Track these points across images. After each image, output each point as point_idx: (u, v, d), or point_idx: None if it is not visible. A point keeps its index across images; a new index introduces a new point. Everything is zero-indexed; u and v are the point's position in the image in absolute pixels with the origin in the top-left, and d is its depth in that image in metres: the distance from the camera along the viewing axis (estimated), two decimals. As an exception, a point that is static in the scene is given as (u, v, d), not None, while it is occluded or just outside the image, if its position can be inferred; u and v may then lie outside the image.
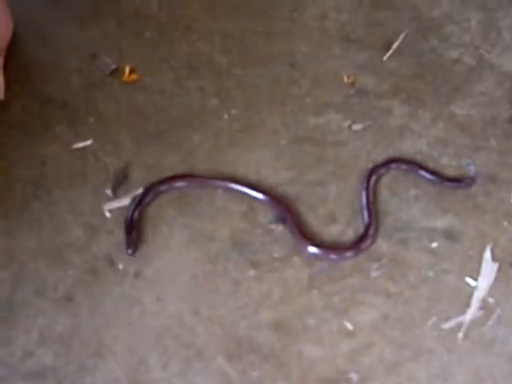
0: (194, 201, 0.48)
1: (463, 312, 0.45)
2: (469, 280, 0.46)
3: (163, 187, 0.48)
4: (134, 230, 0.46)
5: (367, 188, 0.49)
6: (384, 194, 0.49)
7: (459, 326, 0.45)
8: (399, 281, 0.46)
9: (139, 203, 0.47)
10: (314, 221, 0.48)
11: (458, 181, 0.50)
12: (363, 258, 0.47)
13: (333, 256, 0.46)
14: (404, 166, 0.50)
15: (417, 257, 0.47)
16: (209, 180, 0.49)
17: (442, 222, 0.48)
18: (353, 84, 0.54)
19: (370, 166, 0.50)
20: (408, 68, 0.55)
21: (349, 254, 0.47)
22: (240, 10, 0.57)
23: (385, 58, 0.55)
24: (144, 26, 0.56)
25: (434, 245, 0.47)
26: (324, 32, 0.56)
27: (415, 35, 0.57)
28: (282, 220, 0.47)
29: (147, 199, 0.48)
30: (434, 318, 0.45)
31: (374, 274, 0.46)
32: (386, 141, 0.51)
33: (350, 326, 0.45)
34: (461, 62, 0.55)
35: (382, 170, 0.50)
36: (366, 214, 0.48)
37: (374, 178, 0.49)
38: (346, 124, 0.52)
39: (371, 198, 0.48)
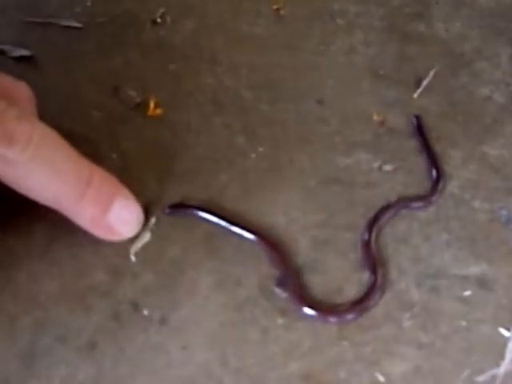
0: (222, 244, 0.47)
1: (497, 364, 0.44)
2: (502, 330, 0.45)
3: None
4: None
5: (368, 245, 0.47)
6: (416, 239, 0.48)
7: (493, 379, 0.43)
8: (431, 331, 0.45)
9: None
10: (344, 266, 0.47)
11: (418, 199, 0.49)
12: (395, 306, 0.45)
13: (332, 319, 0.45)
14: (391, 212, 0.49)
15: (449, 305, 0.46)
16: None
17: (474, 269, 0.47)
18: (382, 122, 0.53)
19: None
20: (438, 106, 0.54)
21: (350, 316, 0.45)
22: (266, 43, 0.56)
23: (415, 95, 0.54)
24: (168, 58, 0.55)
25: (467, 293, 0.46)
26: (352, 67, 0.55)
27: (445, 71, 0.55)
28: (281, 282, 0.46)
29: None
30: (467, 371, 0.44)
31: (406, 323, 0.45)
32: (417, 182, 0.50)
33: (381, 378, 0.43)
34: (492, 100, 0.54)
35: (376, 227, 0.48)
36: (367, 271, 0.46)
37: (373, 235, 0.48)
38: (376, 164, 0.51)
39: (374, 254, 0.47)
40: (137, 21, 0.57)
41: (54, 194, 0.43)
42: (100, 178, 0.44)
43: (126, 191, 0.46)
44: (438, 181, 0.50)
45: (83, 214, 0.44)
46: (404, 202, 0.49)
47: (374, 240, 0.47)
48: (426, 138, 0.52)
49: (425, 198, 0.49)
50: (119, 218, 0.45)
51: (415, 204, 0.49)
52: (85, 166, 0.44)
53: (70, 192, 0.43)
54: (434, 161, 0.51)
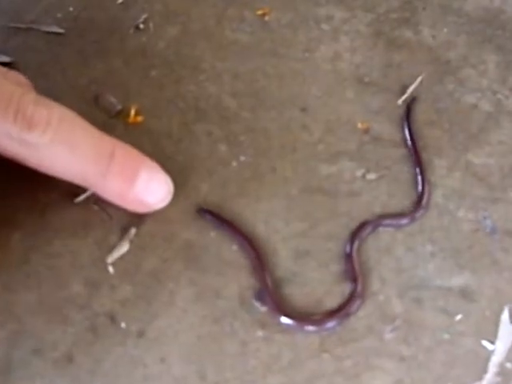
0: (202, 254, 0.46)
1: (480, 378, 0.43)
2: (485, 343, 0.44)
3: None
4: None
5: (349, 256, 0.47)
6: (399, 250, 0.47)
7: (476, 393, 0.43)
8: (413, 344, 0.44)
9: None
10: (325, 278, 0.46)
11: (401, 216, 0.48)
12: (376, 318, 0.45)
13: (310, 328, 0.44)
14: (370, 228, 0.48)
15: (432, 318, 0.45)
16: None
17: (458, 280, 0.46)
18: (367, 130, 0.52)
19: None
20: (424, 114, 0.53)
21: (330, 324, 0.44)
22: (249, 50, 0.55)
23: (400, 102, 0.53)
24: (151, 65, 0.54)
25: (450, 305, 0.45)
26: (337, 74, 0.55)
27: (431, 78, 0.55)
28: (259, 295, 0.45)
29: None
30: (449, 385, 0.43)
31: (388, 336, 0.44)
32: (401, 191, 0.49)
33: (362, 392, 0.43)
34: (478, 108, 0.53)
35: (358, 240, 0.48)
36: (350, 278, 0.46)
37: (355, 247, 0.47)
38: (359, 173, 0.50)
39: (354, 264, 0.46)
40: (119, 27, 0.56)
41: (78, 171, 0.44)
42: (123, 151, 0.45)
43: (151, 162, 0.46)
44: (422, 195, 0.49)
45: (110, 188, 0.45)
46: (387, 219, 0.48)
47: (355, 251, 0.47)
48: (413, 132, 0.51)
49: (408, 215, 0.48)
50: (147, 189, 0.45)
51: (399, 221, 0.48)
52: (106, 142, 0.44)
53: (94, 168, 0.44)
54: (420, 169, 0.50)
